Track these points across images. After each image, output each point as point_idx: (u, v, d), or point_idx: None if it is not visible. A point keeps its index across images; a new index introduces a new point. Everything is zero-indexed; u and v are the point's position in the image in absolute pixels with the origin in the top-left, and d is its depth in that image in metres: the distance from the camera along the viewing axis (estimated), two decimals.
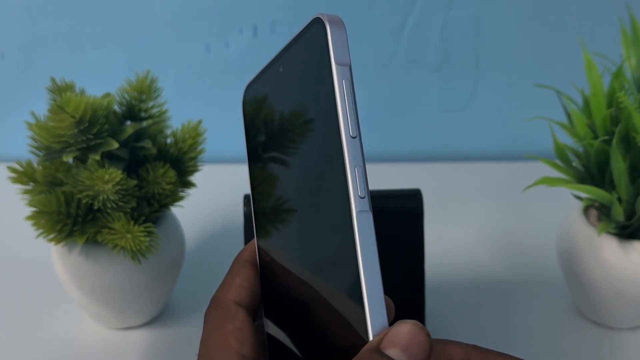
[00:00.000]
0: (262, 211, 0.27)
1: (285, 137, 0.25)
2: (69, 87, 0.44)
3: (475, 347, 0.25)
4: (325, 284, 0.23)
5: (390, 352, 0.21)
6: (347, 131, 0.22)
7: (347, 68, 0.22)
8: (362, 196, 0.21)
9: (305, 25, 0.24)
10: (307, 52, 0.24)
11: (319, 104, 0.23)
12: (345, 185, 0.22)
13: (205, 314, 0.27)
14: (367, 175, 0.22)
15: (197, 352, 0.26)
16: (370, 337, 0.21)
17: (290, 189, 0.25)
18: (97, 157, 0.40)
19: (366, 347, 0.21)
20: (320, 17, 0.23)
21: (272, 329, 0.26)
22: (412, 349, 0.21)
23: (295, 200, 0.25)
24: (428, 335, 0.22)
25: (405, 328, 0.21)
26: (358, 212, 0.21)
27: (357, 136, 0.22)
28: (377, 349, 0.21)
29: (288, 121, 0.25)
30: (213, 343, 0.25)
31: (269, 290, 0.27)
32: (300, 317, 0.25)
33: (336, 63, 0.22)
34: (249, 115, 0.28)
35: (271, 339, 0.26)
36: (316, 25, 0.23)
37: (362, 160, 0.22)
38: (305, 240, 0.24)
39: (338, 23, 0.23)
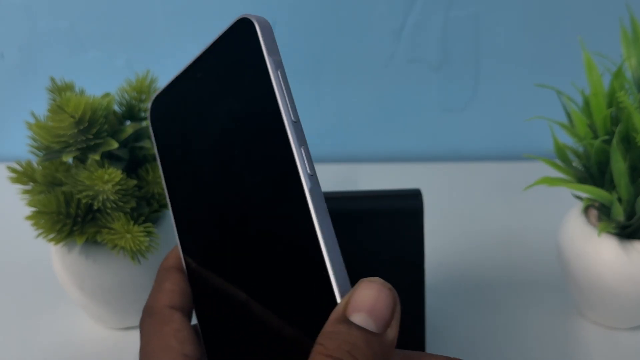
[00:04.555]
0: (191, 212, 0.28)
1: (224, 134, 0.25)
2: (69, 87, 0.44)
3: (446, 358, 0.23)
4: (280, 267, 0.23)
5: (355, 317, 0.21)
6: (288, 116, 0.23)
7: (280, 60, 0.23)
8: (312, 174, 0.22)
9: (227, 28, 0.25)
10: (234, 51, 0.25)
11: (254, 96, 0.24)
12: (294, 165, 0.22)
13: (140, 323, 0.27)
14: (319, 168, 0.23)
15: None
16: (338, 300, 0.21)
17: (231, 186, 0.25)
18: (97, 157, 0.40)
19: (332, 317, 0.21)
20: (247, 16, 0.24)
21: (208, 326, 0.26)
22: (378, 310, 0.21)
23: (237, 193, 0.25)
24: (391, 289, 0.21)
25: (368, 289, 0.21)
26: (310, 188, 0.22)
27: (298, 121, 0.23)
28: (344, 318, 0.21)
29: (223, 119, 0.25)
30: (154, 347, 0.25)
31: (205, 289, 0.27)
32: (254, 308, 0.24)
33: (269, 56, 0.23)
34: (163, 128, 0.29)
35: (208, 336, 0.26)
36: (242, 25, 0.24)
37: (305, 141, 0.23)
38: (254, 227, 0.24)
39: (264, 21, 0.24)
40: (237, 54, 0.25)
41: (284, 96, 0.23)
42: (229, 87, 0.25)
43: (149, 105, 0.29)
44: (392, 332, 0.21)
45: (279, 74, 0.23)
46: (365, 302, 0.21)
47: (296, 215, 0.22)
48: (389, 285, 0.22)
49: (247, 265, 0.25)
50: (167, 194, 0.29)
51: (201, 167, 0.27)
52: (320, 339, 0.21)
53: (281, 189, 0.23)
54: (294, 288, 0.23)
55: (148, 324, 0.26)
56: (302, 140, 0.23)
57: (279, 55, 0.24)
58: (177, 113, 0.28)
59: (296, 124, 0.23)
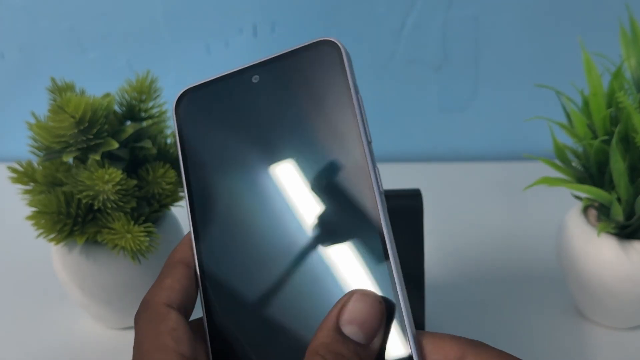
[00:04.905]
0: (224, 213, 0.27)
1: (289, 141, 0.26)
2: (69, 87, 0.44)
3: (472, 343, 0.24)
4: (341, 279, 0.25)
5: (347, 329, 0.23)
6: (365, 138, 0.25)
7: (357, 85, 0.26)
8: (382, 192, 0.25)
9: (306, 44, 0.26)
10: (312, 67, 0.26)
11: (332, 114, 0.26)
12: (369, 183, 0.25)
13: (135, 317, 0.26)
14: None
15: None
16: (411, 339, 0.24)
17: (288, 191, 0.26)
18: (97, 157, 0.40)
19: (326, 325, 0.23)
20: (333, 40, 0.26)
21: (220, 327, 0.26)
22: (369, 323, 0.23)
23: (296, 200, 0.26)
24: (381, 302, 0.23)
25: (361, 301, 0.23)
26: (382, 205, 0.24)
27: (371, 142, 0.25)
28: (337, 328, 0.23)
29: (288, 127, 0.26)
30: (149, 346, 0.24)
31: (225, 293, 0.27)
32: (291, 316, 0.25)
33: (352, 80, 0.26)
34: (193, 123, 0.28)
35: (218, 337, 0.26)
36: (326, 46, 0.26)
37: (375, 162, 0.26)
38: (314, 236, 0.26)
39: (346, 50, 0.27)
40: (315, 71, 0.26)
41: (363, 118, 0.25)
42: (300, 99, 0.26)
43: (175, 97, 0.28)
44: (378, 342, 0.23)
45: (359, 98, 0.26)
46: (359, 315, 0.23)
47: (367, 232, 0.25)
48: (379, 298, 0.24)
49: (298, 272, 0.25)
50: (185, 188, 0.28)
51: (249, 167, 0.27)
52: (314, 346, 0.23)
53: (354, 204, 0.25)
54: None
55: (143, 319, 0.26)
56: (374, 161, 0.25)
57: (356, 81, 0.26)
58: (217, 111, 0.28)
59: (370, 144, 0.25)
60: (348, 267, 0.25)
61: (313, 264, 0.25)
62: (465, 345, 0.24)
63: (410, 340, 0.23)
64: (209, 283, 0.27)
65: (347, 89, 0.26)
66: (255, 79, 0.27)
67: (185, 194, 0.28)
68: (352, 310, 0.23)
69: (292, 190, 0.26)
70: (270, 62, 0.27)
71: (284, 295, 0.25)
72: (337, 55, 0.26)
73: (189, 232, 0.28)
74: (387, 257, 0.24)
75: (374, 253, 0.25)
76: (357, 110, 0.26)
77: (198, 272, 0.27)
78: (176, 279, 0.27)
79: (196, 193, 0.28)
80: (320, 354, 0.22)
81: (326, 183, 0.26)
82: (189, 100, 0.29)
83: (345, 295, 0.24)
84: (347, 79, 0.26)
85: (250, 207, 0.27)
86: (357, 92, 0.26)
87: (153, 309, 0.26)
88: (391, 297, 0.24)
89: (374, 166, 0.25)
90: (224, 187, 0.27)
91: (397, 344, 0.24)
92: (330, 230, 0.25)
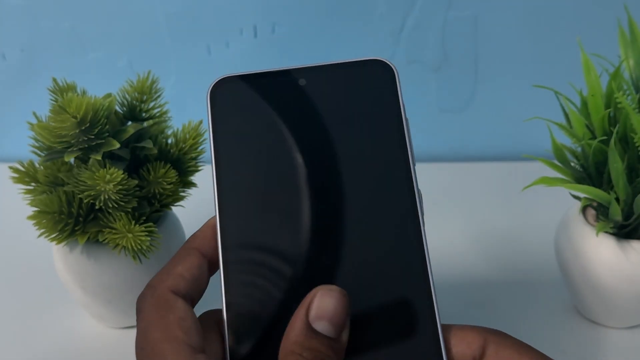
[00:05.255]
0: (262, 204, 0.27)
1: (335, 146, 0.27)
2: (71, 87, 0.44)
3: (493, 332, 0.25)
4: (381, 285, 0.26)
5: (318, 325, 0.23)
6: (412, 158, 0.26)
7: (405, 110, 0.28)
8: (423, 213, 0.27)
9: (359, 60, 0.28)
10: (363, 82, 0.28)
11: (379, 128, 0.27)
12: (414, 204, 0.26)
13: (139, 300, 0.26)
14: None
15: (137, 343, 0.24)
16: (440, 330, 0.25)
17: (332, 196, 0.27)
18: (99, 157, 0.40)
19: (298, 324, 0.23)
20: (386, 61, 0.28)
21: (241, 319, 0.26)
22: (337, 317, 0.24)
23: (324, 196, 0.27)
24: (345, 295, 0.24)
25: (329, 297, 0.24)
26: (423, 225, 0.26)
27: (415, 164, 0.27)
28: (309, 327, 0.23)
29: (335, 133, 0.27)
30: (157, 335, 0.24)
31: (253, 282, 0.26)
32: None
33: (402, 105, 0.27)
34: (229, 113, 0.28)
35: (237, 330, 0.26)
36: (378, 66, 0.28)
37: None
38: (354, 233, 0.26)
39: (398, 72, 0.29)
40: (366, 86, 0.28)
41: (409, 140, 0.27)
42: (348, 109, 0.27)
43: (210, 85, 0.29)
44: (346, 334, 0.24)
45: (406, 118, 0.27)
46: (327, 310, 0.23)
47: (409, 254, 0.26)
48: (344, 291, 0.24)
49: (333, 266, 0.26)
50: (215, 177, 0.28)
51: (285, 161, 0.27)
52: (288, 345, 0.23)
53: (397, 222, 0.26)
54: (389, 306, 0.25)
55: (150, 304, 0.25)
56: (417, 181, 0.26)
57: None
58: (256, 104, 0.28)
59: (414, 166, 0.26)
60: (384, 261, 0.26)
61: (349, 257, 0.26)
62: (487, 334, 0.25)
63: (439, 334, 0.24)
64: (232, 272, 0.26)
65: (397, 109, 0.27)
66: (302, 82, 0.28)
67: (214, 176, 0.28)
68: (320, 306, 0.23)
69: (328, 188, 0.27)
70: (320, 69, 0.28)
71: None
72: (388, 74, 0.28)
73: (213, 219, 0.27)
74: (423, 258, 0.26)
75: (412, 251, 0.26)
76: (405, 131, 0.27)
77: (221, 258, 0.26)
78: (187, 267, 0.26)
79: (226, 179, 0.28)
80: (297, 353, 0.23)
81: (363, 193, 0.26)
82: (227, 89, 0.29)
83: (310, 292, 0.24)
84: (399, 99, 0.27)
85: (283, 198, 0.27)
86: (405, 112, 0.27)
87: (160, 295, 0.25)
88: (425, 289, 0.25)
89: (417, 185, 0.26)
90: (257, 176, 0.27)
91: (427, 337, 0.24)
92: (366, 227, 0.26)
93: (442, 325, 0.25)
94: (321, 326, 0.23)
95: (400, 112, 0.27)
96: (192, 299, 0.26)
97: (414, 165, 0.26)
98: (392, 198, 0.26)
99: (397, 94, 0.27)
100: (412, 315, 0.25)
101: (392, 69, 0.28)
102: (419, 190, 0.26)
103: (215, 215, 0.27)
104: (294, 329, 0.23)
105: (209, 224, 0.28)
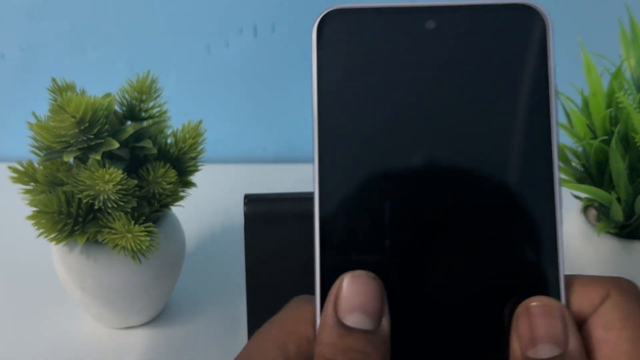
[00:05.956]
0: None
1: (460, 103, 0.23)
2: (70, 87, 0.44)
3: (617, 287, 0.21)
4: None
5: (349, 320, 0.20)
6: (555, 118, 0.23)
7: (555, 70, 0.24)
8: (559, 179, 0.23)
9: (503, 3, 0.24)
10: (508, 28, 0.24)
11: (514, 93, 0.23)
12: (551, 166, 0.23)
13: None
14: None
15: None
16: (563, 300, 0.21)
17: (447, 154, 0.23)
18: (98, 157, 0.40)
19: (325, 322, 0.20)
20: (539, 11, 0.24)
21: None
22: (371, 305, 0.20)
23: (456, 166, 0.23)
24: (375, 278, 0.20)
25: (355, 284, 0.20)
26: (559, 187, 0.23)
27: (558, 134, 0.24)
28: (339, 323, 0.20)
29: (476, 83, 0.23)
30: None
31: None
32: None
33: (553, 65, 0.24)
34: (342, 54, 0.24)
35: None
36: (529, 15, 0.24)
37: None
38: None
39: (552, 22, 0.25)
40: (512, 32, 0.24)
41: (556, 111, 0.24)
42: (488, 60, 0.23)
43: (316, 19, 0.24)
44: (387, 321, 0.20)
45: (555, 84, 0.24)
46: (357, 300, 0.20)
47: (541, 214, 0.23)
48: (372, 274, 0.21)
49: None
50: (316, 124, 0.23)
51: (408, 117, 0.23)
52: (320, 350, 0.20)
53: (533, 185, 0.23)
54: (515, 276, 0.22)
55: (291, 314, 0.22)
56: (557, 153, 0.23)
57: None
58: (372, 46, 0.23)
59: (558, 135, 0.24)
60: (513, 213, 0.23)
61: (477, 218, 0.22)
62: (611, 285, 0.22)
63: (561, 283, 0.21)
64: (326, 224, 0.22)
65: (544, 72, 0.24)
66: (430, 24, 0.23)
67: (315, 133, 0.23)
68: (348, 297, 0.20)
69: (460, 153, 0.23)
70: (455, 10, 0.24)
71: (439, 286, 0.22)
72: (539, 26, 0.24)
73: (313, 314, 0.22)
74: (553, 207, 0.23)
75: (543, 201, 0.23)
76: (551, 101, 0.23)
77: (317, 211, 0.22)
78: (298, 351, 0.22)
79: (330, 138, 0.23)
80: (328, 358, 0.20)
81: (499, 160, 0.23)
82: (331, 26, 0.24)
83: (335, 283, 0.20)
84: (547, 60, 0.24)
85: (404, 162, 0.23)
86: (554, 78, 0.23)
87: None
88: (553, 233, 0.22)
89: (557, 163, 0.23)
90: (370, 136, 0.23)
91: (548, 286, 0.21)
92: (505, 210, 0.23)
93: (567, 275, 0.22)
94: (354, 320, 0.20)
95: (548, 75, 0.23)
96: None
97: (557, 139, 0.23)
98: (529, 173, 0.23)
99: (545, 52, 0.24)
100: (535, 265, 0.22)
101: (543, 19, 0.24)
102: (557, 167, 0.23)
103: (314, 168, 0.23)
104: (324, 328, 0.20)
105: (305, 315, 0.22)
